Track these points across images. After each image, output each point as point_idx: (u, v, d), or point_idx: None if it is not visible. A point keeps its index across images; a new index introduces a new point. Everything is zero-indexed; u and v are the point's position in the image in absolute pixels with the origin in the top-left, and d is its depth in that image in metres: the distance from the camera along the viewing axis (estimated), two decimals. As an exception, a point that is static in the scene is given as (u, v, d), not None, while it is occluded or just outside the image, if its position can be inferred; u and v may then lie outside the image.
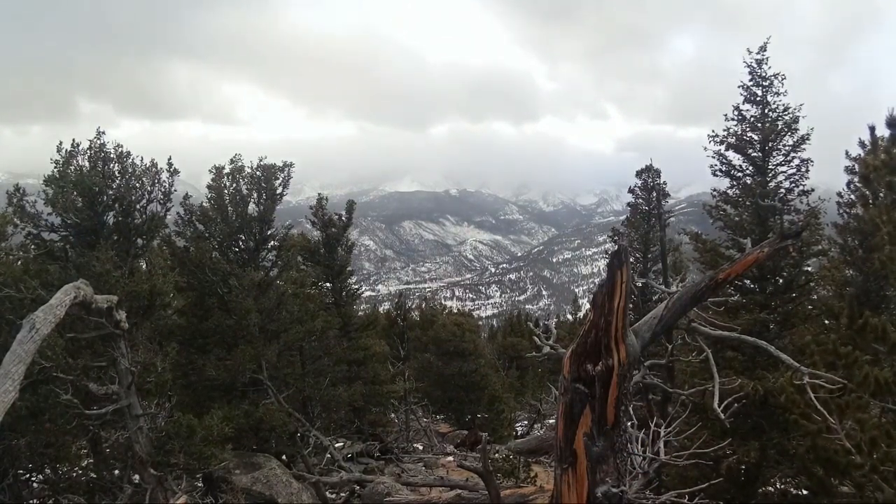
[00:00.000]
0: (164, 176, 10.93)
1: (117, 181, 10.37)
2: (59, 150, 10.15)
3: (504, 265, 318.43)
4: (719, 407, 6.20)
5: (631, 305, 5.72)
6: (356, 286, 21.37)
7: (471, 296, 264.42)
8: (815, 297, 12.92)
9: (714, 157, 12.32)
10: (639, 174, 17.80)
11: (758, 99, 11.83)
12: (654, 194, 17.32)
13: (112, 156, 10.43)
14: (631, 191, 18.01)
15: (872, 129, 11.44)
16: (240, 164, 14.40)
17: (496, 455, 14.37)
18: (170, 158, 11.14)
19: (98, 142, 10.35)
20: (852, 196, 13.51)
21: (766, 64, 11.64)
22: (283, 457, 14.52)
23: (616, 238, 19.03)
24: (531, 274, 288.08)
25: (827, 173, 14.94)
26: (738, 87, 11.91)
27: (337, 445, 16.46)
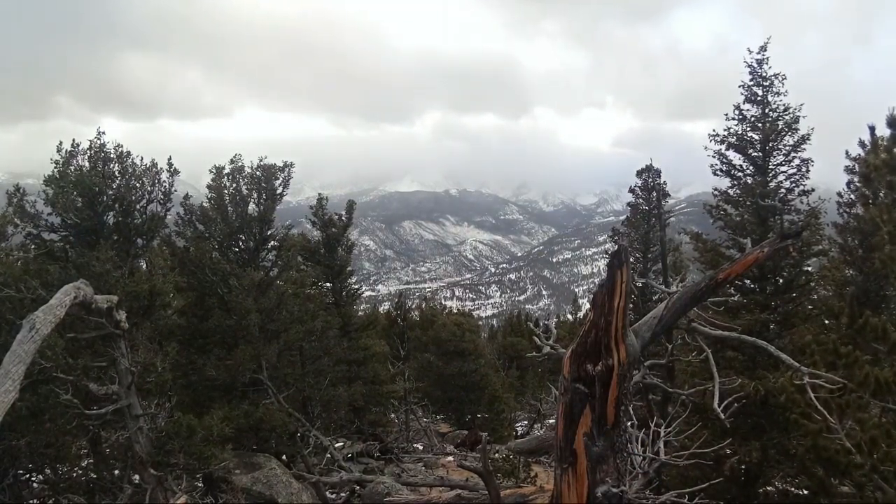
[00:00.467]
0: (164, 176, 10.95)
1: (117, 181, 10.38)
2: (58, 150, 10.14)
3: (504, 265, 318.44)
4: (719, 407, 6.21)
5: (631, 305, 5.72)
6: (356, 286, 21.37)
7: (471, 296, 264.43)
8: (815, 297, 12.93)
9: (715, 157, 12.36)
10: (639, 174, 17.83)
11: (758, 99, 11.86)
12: (654, 194, 17.32)
13: (112, 156, 10.43)
14: (631, 191, 18.03)
15: (872, 129, 11.44)
16: (240, 164, 14.42)
17: (496, 455, 14.36)
18: (170, 158, 11.16)
19: (98, 142, 10.35)
20: (852, 196, 13.52)
21: (767, 64, 11.67)
22: (283, 457, 14.51)
23: (616, 238, 19.04)
24: (531, 274, 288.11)
25: (827, 173, 14.95)
26: (739, 86, 11.97)
27: (337, 445, 16.45)
